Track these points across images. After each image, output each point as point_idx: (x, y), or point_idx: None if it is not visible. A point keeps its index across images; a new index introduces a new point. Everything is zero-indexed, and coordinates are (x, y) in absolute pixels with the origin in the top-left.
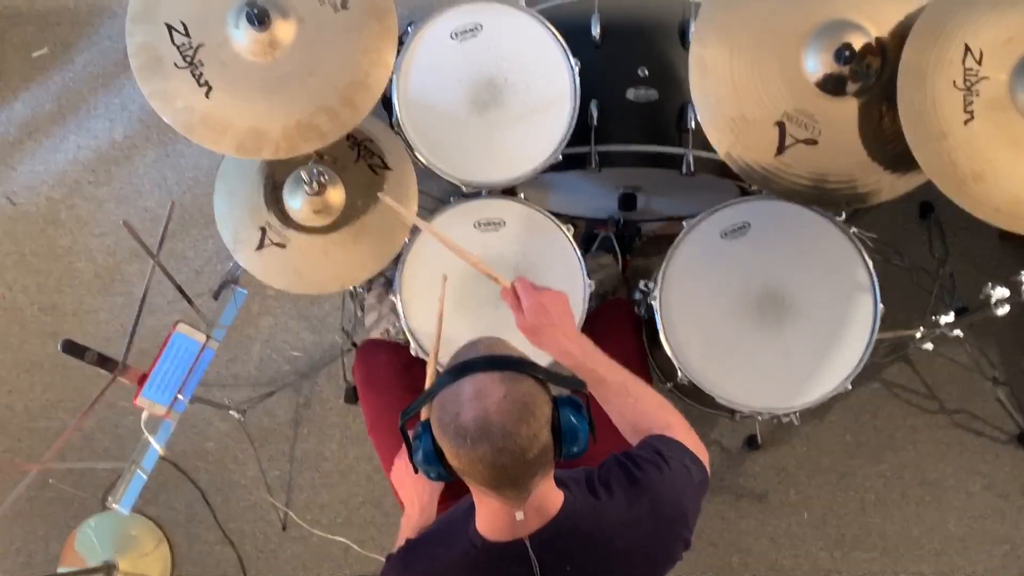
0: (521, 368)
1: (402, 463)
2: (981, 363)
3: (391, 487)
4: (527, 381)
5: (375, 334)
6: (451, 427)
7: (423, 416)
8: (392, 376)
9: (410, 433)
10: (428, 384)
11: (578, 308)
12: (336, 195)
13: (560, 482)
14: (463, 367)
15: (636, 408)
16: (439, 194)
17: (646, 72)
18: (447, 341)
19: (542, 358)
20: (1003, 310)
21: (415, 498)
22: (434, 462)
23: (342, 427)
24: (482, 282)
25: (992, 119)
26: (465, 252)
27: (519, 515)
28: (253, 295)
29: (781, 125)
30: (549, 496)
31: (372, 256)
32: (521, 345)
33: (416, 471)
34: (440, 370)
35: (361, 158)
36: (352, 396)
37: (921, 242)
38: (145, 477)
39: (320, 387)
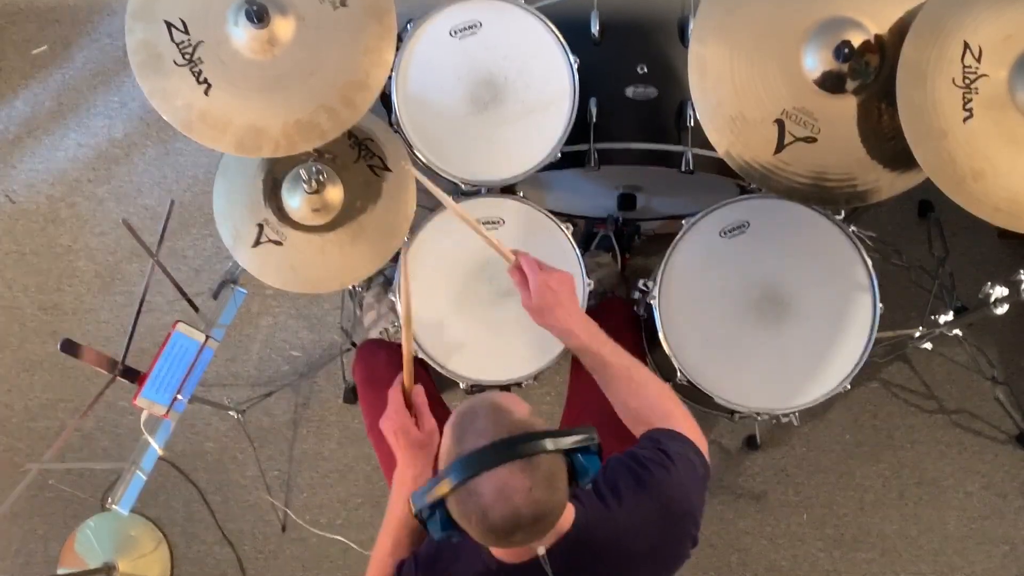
0: (536, 448)
1: (385, 421)
2: (980, 362)
3: (388, 484)
4: (545, 460)
5: (374, 333)
6: (479, 526)
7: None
8: (392, 376)
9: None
10: (405, 355)
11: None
12: (335, 194)
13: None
14: (475, 461)
15: (638, 394)
16: None
17: (645, 69)
18: (446, 343)
19: (547, 351)
20: (1002, 309)
21: (401, 479)
22: (451, 530)
23: (341, 427)
24: (482, 282)
25: (991, 117)
26: (479, 227)
27: (541, 550)
28: (252, 295)
29: (780, 123)
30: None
31: (368, 257)
32: (526, 340)
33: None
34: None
35: (361, 158)
36: (351, 396)
37: (920, 241)
38: (144, 477)
39: (319, 387)
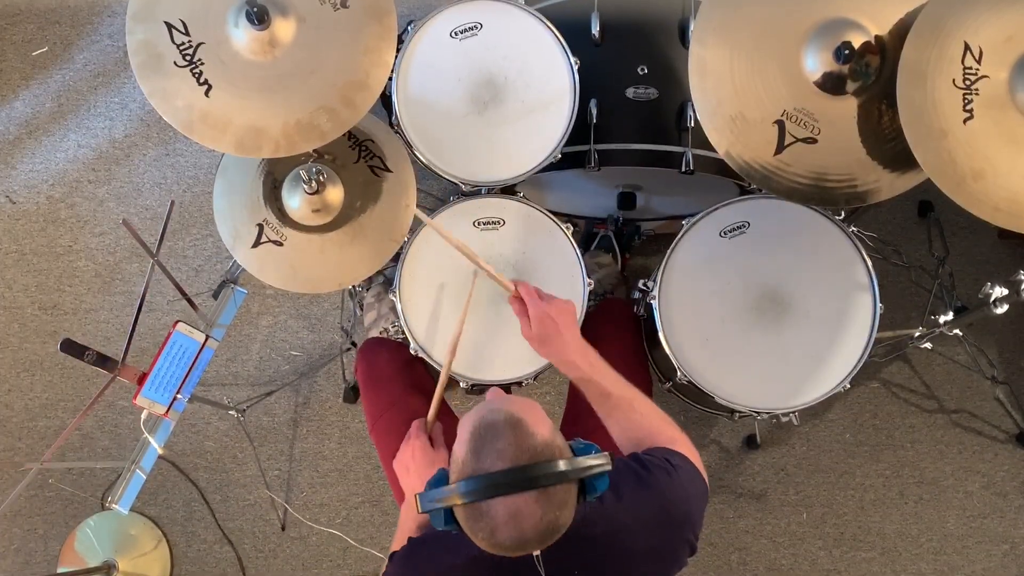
0: (554, 479)
1: (403, 456)
2: (980, 362)
3: (389, 483)
4: (560, 490)
5: (374, 333)
6: (484, 541)
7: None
8: (394, 374)
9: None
10: (436, 398)
11: (577, 307)
12: (335, 195)
13: None
14: (492, 485)
15: (641, 424)
16: (439, 193)
17: (645, 70)
18: (447, 343)
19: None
20: (1002, 309)
21: (410, 504)
22: (455, 524)
23: (341, 426)
24: (483, 282)
25: (992, 117)
26: (479, 259)
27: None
28: (252, 294)
29: (780, 124)
30: None
31: (368, 258)
32: (522, 338)
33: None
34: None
35: (362, 159)
36: (351, 395)
37: (920, 241)
38: (144, 477)
39: (319, 386)
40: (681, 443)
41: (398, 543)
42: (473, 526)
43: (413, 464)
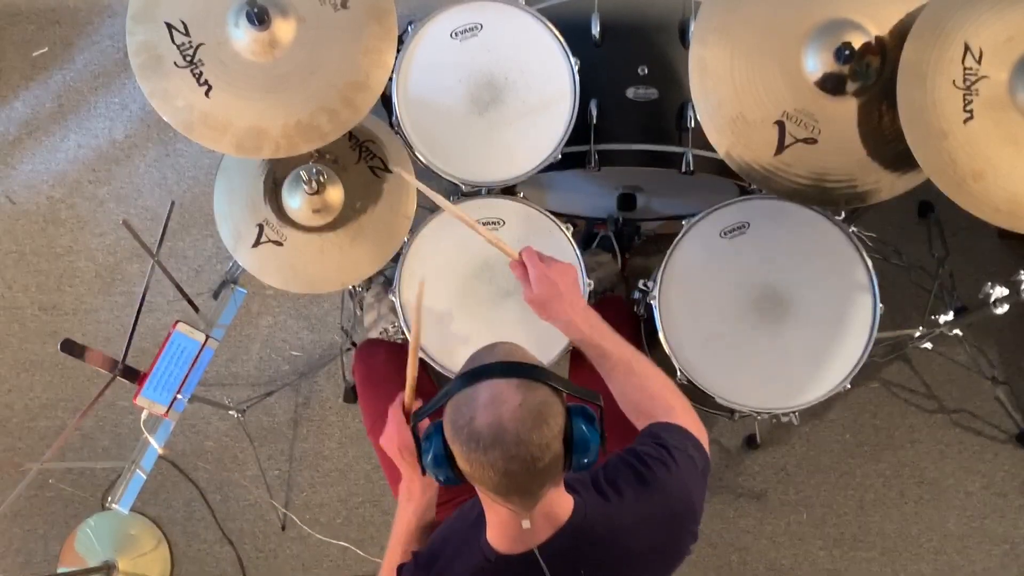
0: (538, 376)
1: (388, 432)
2: (980, 362)
3: (389, 484)
4: (543, 390)
5: (374, 333)
6: (464, 431)
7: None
8: (392, 375)
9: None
10: (409, 373)
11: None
12: (335, 195)
13: (568, 486)
14: (479, 371)
15: (640, 387)
16: (439, 193)
17: (646, 71)
18: (447, 343)
19: (547, 351)
20: (1002, 309)
21: (408, 490)
22: (444, 465)
23: (341, 426)
24: (482, 281)
25: (992, 118)
26: (477, 226)
27: (525, 523)
28: (252, 294)
29: (781, 124)
30: (559, 503)
31: (368, 258)
32: (527, 340)
33: (424, 472)
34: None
35: (362, 159)
36: (351, 396)
37: (920, 241)
38: (144, 477)
39: (319, 386)
40: (679, 409)
41: (394, 547)
42: (457, 419)
43: (396, 435)
